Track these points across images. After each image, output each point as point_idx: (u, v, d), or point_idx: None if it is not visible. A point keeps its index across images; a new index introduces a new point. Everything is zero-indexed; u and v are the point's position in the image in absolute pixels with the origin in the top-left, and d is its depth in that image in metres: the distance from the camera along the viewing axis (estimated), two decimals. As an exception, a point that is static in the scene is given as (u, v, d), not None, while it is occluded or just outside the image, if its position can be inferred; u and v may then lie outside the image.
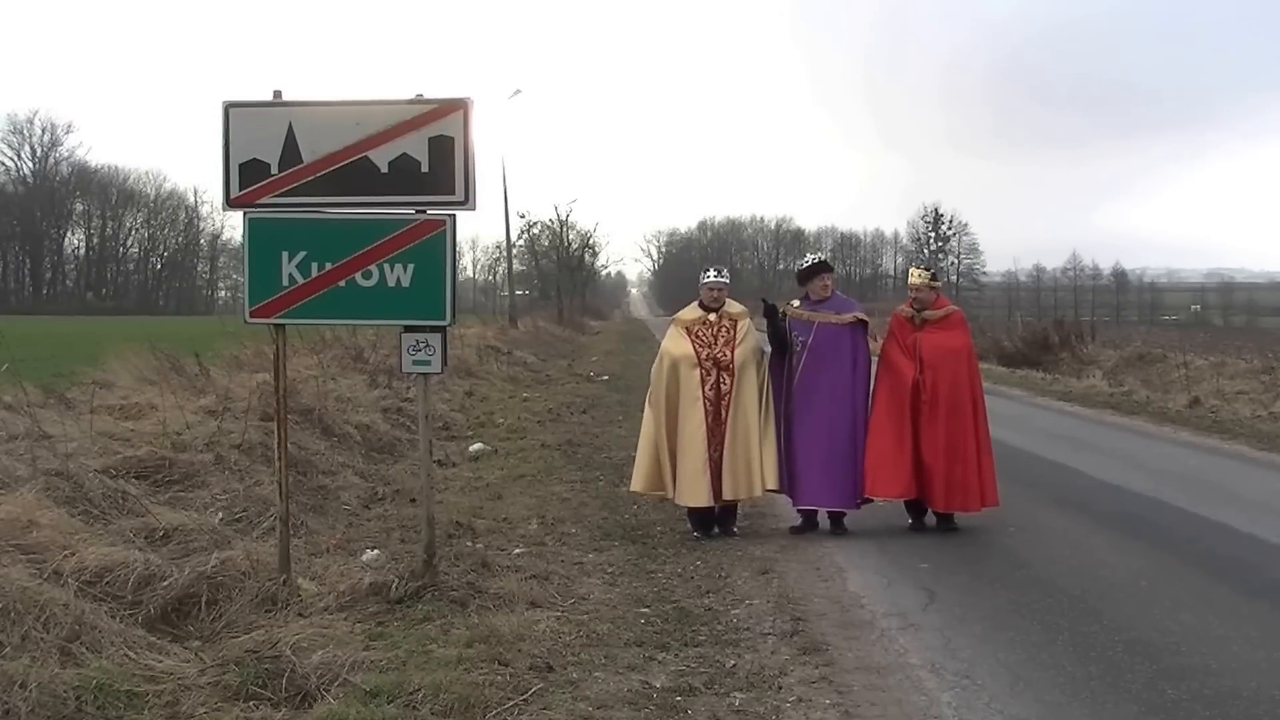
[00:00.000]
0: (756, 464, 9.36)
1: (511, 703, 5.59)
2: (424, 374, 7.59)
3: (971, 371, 9.85)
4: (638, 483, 9.66)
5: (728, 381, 9.35)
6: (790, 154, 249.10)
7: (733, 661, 6.33)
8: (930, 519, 9.76)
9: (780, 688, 5.94)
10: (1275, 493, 11.47)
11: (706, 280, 9.72)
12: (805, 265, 10.14)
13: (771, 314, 9.98)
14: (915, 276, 10.15)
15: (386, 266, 7.29)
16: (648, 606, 7.42)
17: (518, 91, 54.13)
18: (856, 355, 9.69)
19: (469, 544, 8.87)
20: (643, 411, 9.81)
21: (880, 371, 9.83)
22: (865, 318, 9.89)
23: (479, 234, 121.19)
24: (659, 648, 6.55)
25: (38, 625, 5.75)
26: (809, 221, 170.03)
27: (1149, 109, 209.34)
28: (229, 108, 7.30)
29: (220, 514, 8.86)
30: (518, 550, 8.81)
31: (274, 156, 7.26)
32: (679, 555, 8.89)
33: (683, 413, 9.37)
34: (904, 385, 9.62)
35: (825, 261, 10.12)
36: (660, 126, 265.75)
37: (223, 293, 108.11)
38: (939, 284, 10.25)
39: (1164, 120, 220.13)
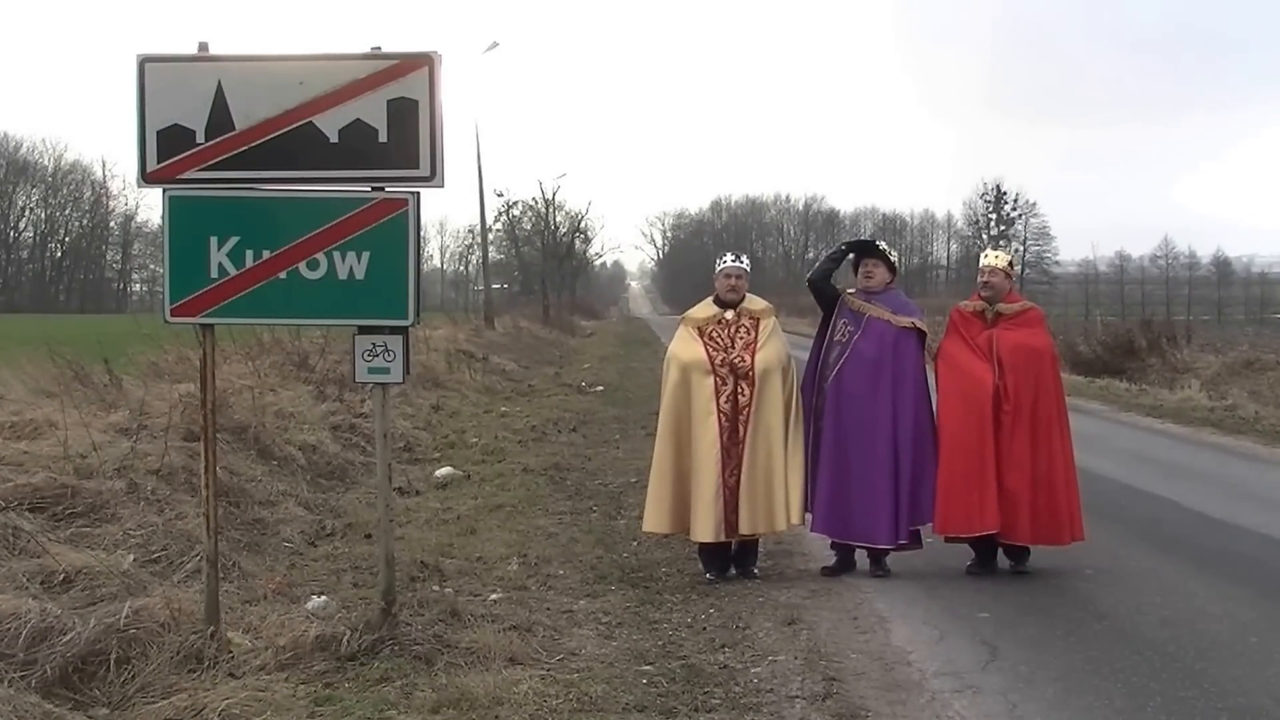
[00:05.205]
0: (780, 492, 9.35)
1: (486, 781, 5.61)
2: (381, 384, 7.61)
3: (1056, 377, 9.88)
4: (651, 520, 9.64)
5: (747, 392, 9.35)
6: (821, 122, 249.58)
7: (753, 731, 6.32)
8: (1001, 559, 9.73)
9: (811, 763, 5.95)
10: None
11: (724, 266, 9.73)
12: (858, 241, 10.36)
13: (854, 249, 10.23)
14: (992, 258, 10.09)
15: (337, 255, 7.30)
16: (651, 664, 7.44)
17: (495, 45, 53.82)
18: (905, 365, 9.69)
19: (436, 588, 8.88)
20: (648, 430, 9.80)
21: (945, 377, 9.80)
22: (924, 328, 9.89)
23: (448, 216, 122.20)
24: (664, 713, 6.56)
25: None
26: (844, 201, 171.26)
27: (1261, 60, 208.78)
28: (145, 62, 7.29)
29: (134, 554, 8.86)
30: (494, 596, 8.83)
31: (200, 122, 7.26)
32: (688, 602, 8.91)
33: (694, 429, 9.39)
34: (982, 392, 9.55)
35: (871, 242, 10.20)
36: (665, 87, 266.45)
37: (138, 286, 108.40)
38: (1014, 273, 10.22)
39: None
